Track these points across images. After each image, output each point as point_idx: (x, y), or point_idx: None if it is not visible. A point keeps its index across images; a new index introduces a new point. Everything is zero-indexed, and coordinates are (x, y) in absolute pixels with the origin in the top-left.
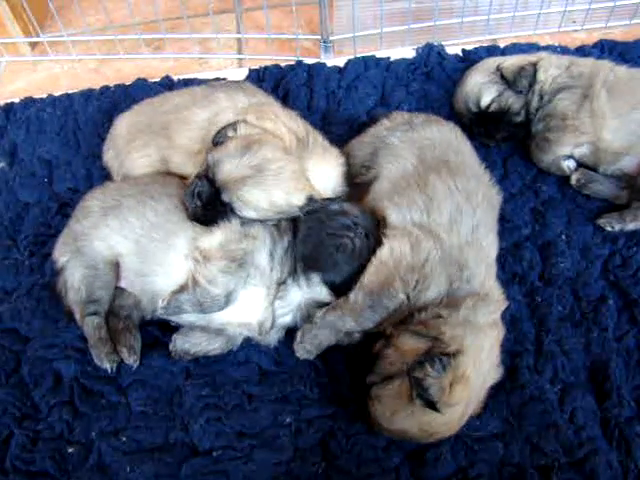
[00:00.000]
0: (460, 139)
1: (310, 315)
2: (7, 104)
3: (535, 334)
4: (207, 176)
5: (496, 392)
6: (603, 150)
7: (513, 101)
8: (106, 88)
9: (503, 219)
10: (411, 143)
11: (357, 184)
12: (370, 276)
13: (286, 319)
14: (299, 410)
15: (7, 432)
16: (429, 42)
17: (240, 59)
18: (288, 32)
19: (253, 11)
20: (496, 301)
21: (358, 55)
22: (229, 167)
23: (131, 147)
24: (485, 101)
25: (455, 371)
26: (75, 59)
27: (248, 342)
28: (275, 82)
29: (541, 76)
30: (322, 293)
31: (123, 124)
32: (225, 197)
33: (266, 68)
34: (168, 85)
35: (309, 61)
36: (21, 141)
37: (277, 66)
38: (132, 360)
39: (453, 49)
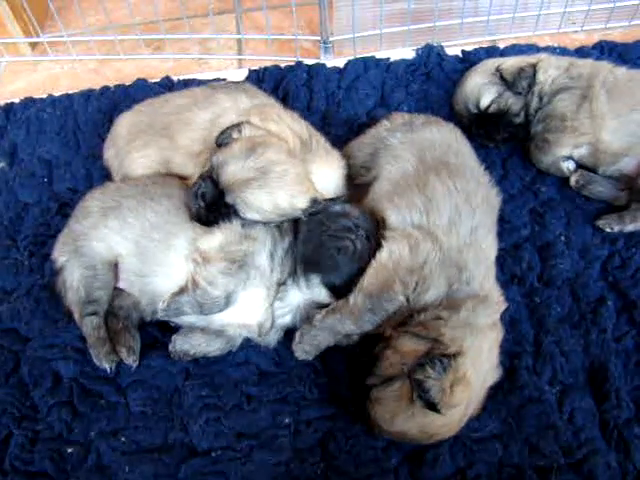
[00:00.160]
0: (460, 140)
1: (309, 316)
2: (7, 104)
3: (534, 335)
4: (211, 177)
5: (495, 393)
6: (602, 151)
7: (512, 102)
8: (106, 88)
9: (502, 220)
10: (411, 144)
11: (357, 185)
12: (369, 278)
13: (285, 320)
14: (298, 411)
15: (6, 432)
16: (429, 43)
17: (240, 60)
18: (288, 33)
19: (253, 12)
20: (495, 302)
21: (358, 56)
22: (233, 169)
23: (131, 147)
24: (485, 102)
25: (455, 372)
26: (75, 59)
27: (247, 343)
28: (275, 83)
29: (540, 77)
30: (321, 294)
31: (124, 123)
32: (229, 199)
33: (266, 69)
34: (168, 85)
35: (309, 62)
36: (21, 141)
37: (277, 67)
38: (131, 360)
39: (453, 50)
